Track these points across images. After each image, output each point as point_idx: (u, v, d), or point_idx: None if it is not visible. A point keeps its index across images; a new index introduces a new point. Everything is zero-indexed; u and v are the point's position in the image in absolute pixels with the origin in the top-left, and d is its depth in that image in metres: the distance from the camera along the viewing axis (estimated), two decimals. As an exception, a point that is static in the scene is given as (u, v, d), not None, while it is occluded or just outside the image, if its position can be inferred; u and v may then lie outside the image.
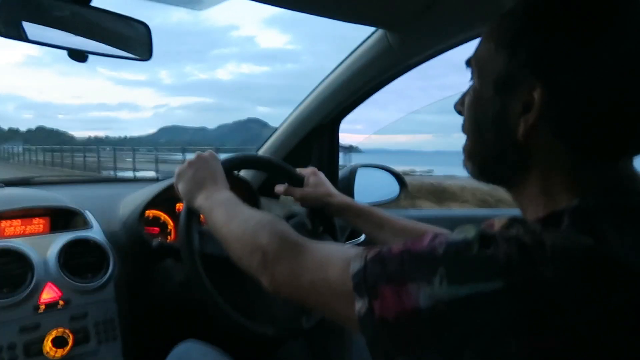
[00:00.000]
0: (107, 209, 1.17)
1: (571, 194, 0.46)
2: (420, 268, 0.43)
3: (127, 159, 20.49)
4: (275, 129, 1.48)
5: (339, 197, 0.98)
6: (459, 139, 0.58)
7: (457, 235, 0.44)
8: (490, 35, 0.51)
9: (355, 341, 1.00)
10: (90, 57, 0.84)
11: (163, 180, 1.29)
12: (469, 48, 1.08)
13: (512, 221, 0.44)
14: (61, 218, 1.07)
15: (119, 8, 0.87)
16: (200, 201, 0.79)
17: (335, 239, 1.05)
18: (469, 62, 0.55)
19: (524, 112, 0.47)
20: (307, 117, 1.39)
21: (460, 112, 0.57)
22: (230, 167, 0.93)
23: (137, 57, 0.91)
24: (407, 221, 0.93)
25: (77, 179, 1.69)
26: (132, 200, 1.18)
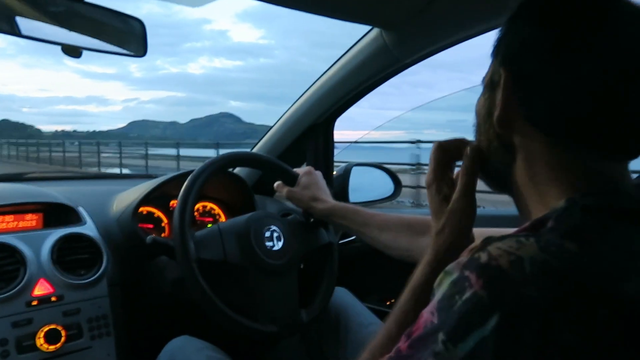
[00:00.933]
0: (100, 205, 1.17)
1: (557, 191, 0.46)
2: (426, 345, 0.41)
3: (103, 154, 19.31)
4: (270, 127, 1.48)
5: (323, 202, 0.98)
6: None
7: (438, 294, 0.43)
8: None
9: (350, 337, 1.01)
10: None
11: (157, 177, 1.29)
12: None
13: (485, 243, 0.42)
14: (54, 214, 1.07)
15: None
16: None
17: (326, 229, 1.06)
18: (483, 79, 0.57)
19: None
20: (302, 115, 1.39)
21: None
22: (223, 166, 0.93)
23: (132, 53, 0.91)
24: (389, 215, 0.94)
25: (70, 175, 1.69)
26: (126, 196, 1.18)
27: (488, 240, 0.42)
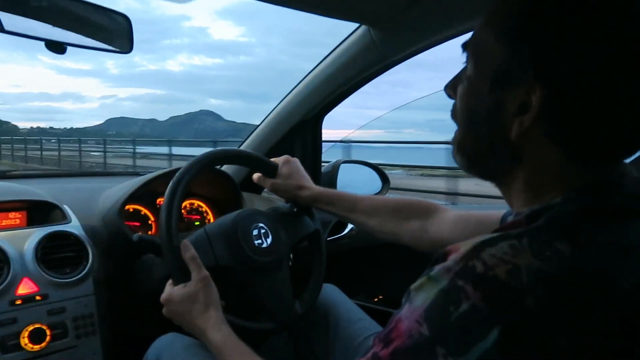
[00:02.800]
0: (86, 203, 1.15)
1: (555, 192, 0.45)
2: (420, 357, 0.40)
3: (94, 153, 18.56)
4: (256, 125, 1.48)
5: (309, 189, 0.98)
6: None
7: (421, 300, 0.41)
8: (491, 21, 0.49)
9: (339, 334, 1.01)
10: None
11: (143, 174, 1.28)
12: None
13: (477, 249, 0.41)
14: (39, 212, 1.06)
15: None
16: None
17: (311, 217, 1.05)
18: (465, 46, 0.53)
19: (520, 113, 0.45)
20: (290, 112, 1.39)
21: (450, 96, 0.55)
22: (208, 163, 0.92)
23: (117, 49, 0.90)
24: (376, 198, 0.96)
25: (55, 172, 1.67)
26: (112, 194, 1.17)
27: (480, 246, 0.41)
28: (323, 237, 1.08)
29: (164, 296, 0.82)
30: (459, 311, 0.38)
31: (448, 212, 0.87)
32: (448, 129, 0.56)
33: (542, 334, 0.37)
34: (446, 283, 0.40)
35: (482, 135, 0.50)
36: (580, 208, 0.43)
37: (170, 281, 0.83)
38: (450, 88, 0.55)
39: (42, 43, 0.80)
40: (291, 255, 1.09)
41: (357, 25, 1.13)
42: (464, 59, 0.53)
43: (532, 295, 0.37)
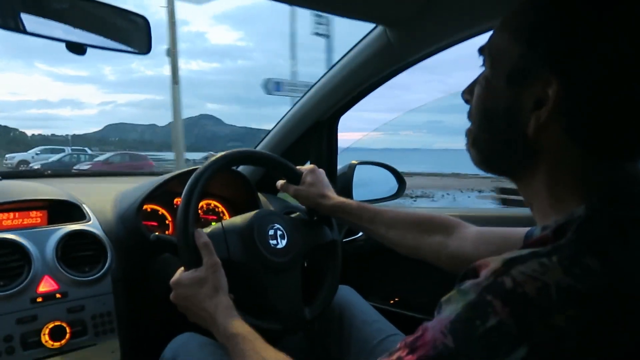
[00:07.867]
0: (104, 203, 1.17)
1: (578, 197, 0.45)
2: None
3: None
4: (274, 126, 1.48)
5: (331, 198, 0.98)
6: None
7: (448, 312, 0.41)
8: (506, 24, 0.50)
9: (354, 335, 1.01)
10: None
11: (161, 174, 1.29)
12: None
13: (507, 266, 0.40)
14: (59, 211, 1.07)
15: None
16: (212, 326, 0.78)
17: (330, 227, 1.05)
18: (481, 50, 0.53)
19: (536, 108, 0.46)
20: (306, 113, 1.39)
21: (467, 101, 0.56)
22: (227, 163, 0.92)
23: (136, 50, 0.91)
24: (397, 211, 0.94)
25: (74, 172, 1.69)
26: (130, 193, 1.18)
27: (510, 263, 0.41)
28: (340, 247, 1.07)
29: (173, 280, 0.82)
30: (486, 326, 0.38)
31: (470, 228, 0.86)
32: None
33: (572, 352, 0.37)
34: (474, 296, 0.40)
35: (499, 132, 0.51)
36: (606, 219, 0.42)
37: (182, 268, 0.83)
38: (468, 92, 0.56)
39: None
40: (306, 263, 1.08)
41: (365, 26, 1.13)
42: (481, 62, 0.54)
43: (561, 314, 0.37)
